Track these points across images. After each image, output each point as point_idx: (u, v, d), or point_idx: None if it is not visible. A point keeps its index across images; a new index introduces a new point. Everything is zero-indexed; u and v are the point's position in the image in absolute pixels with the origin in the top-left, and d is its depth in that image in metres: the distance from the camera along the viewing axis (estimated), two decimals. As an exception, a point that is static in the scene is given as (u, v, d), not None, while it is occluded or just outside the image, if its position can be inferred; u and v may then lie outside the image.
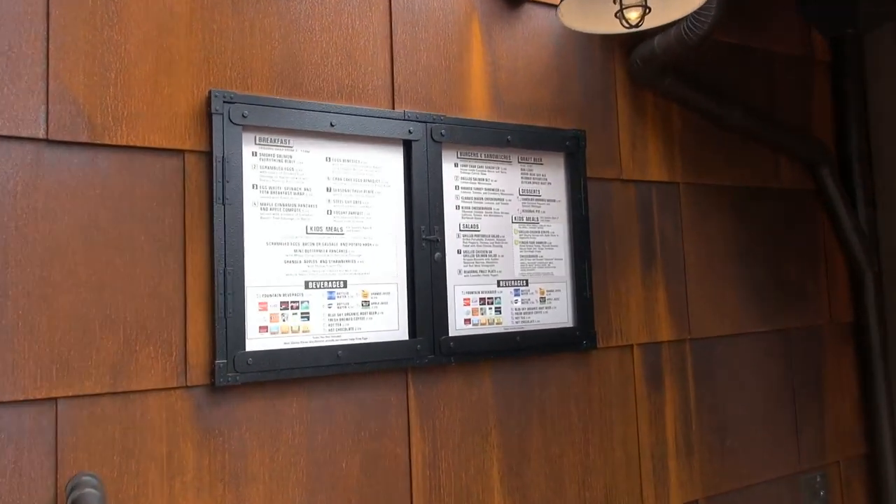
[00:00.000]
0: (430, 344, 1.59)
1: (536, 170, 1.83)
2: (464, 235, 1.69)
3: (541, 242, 1.81)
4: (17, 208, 1.23)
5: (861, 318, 2.45)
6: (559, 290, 1.82)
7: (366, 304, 1.54)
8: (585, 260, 1.85)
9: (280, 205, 1.46)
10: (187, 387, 1.34)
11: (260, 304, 1.42)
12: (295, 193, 1.48)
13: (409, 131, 1.61)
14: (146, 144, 1.34)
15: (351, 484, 1.49)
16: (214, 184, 1.38)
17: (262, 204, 1.44)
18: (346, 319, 1.51)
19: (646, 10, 1.47)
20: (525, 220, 1.79)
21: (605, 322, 1.90)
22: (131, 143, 1.33)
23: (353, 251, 1.54)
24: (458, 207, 1.69)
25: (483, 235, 1.72)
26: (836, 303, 2.46)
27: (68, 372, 1.24)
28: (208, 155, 1.40)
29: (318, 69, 1.55)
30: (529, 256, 1.79)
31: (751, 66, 2.33)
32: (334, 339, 1.49)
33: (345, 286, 1.52)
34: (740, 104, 2.17)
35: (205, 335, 1.36)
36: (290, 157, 1.49)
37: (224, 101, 1.40)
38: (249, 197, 1.42)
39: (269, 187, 1.46)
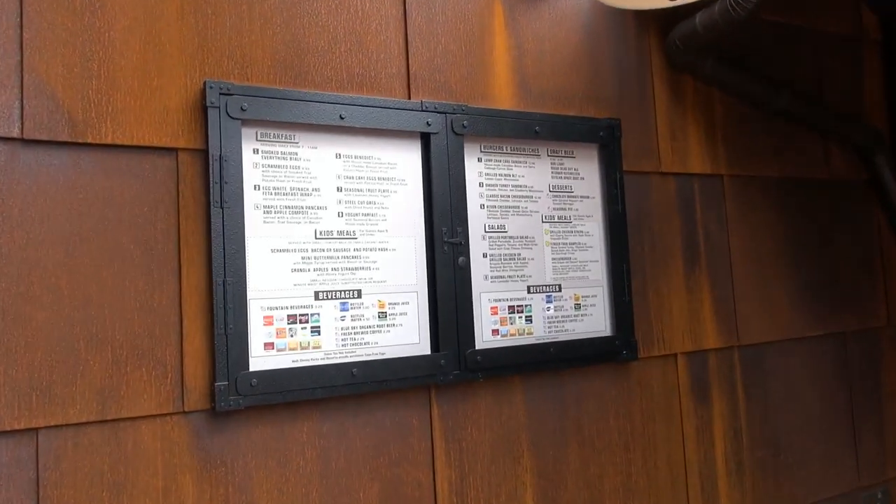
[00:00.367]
0: (454, 358, 1.44)
1: (568, 163, 1.66)
2: (489, 237, 1.54)
3: (574, 243, 1.65)
4: (-10, 216, 1.10)
5: (923, 320, 2.25)
6: (595, 296, 1.66)
7: (383, 315, 1.39)
8: (623, 262, 1.68)
9: (285, 207, 1.32)
10: (185, 412, 1.21)
11: (265, 318, 1.28)
12: (302, 194, 1.34)
13: (428, 123, 1.46)
14: (134, 143, 1.21)
15: (369, 516, 1.34)
16: (211, 185, 1.25)
17: (265, 207, 1.30)
18: (361, 333, 1.37)
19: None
20: (556, 220, 1.63)
21: (646, 329, 1.73)
22: (117, 142, 1.20)
23: (368, 257, 1.39)
24: (482, 206, 1.54)
25: (511, 237, 1.57)
26: (894, 303, 2.27)
27: (50, 399, 1.11)
28: (204, 153, 1.27)
29: (326, 56, 1.40)
30: (562, 259, 1.63)
31: (797, 46, 2.15)
32: (348, 355, 1.35)
33: (359, 296, 1.37)
34: (787, 88, 1.99)
35: (203, 354, 1.23)
36: (296, 154, 1.35)
37: (221, 93, 1.26)
38: (251, 199, 1.29)
39: (273, 188, 1.32)
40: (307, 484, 1.30)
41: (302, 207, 1.35)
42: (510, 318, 1.55)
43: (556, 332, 1.60)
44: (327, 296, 1.35)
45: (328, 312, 1.34)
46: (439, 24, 1.54)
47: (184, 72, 1.26)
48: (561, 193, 1.65)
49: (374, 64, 1.46)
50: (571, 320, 1.62)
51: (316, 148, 1.37)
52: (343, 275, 1.37)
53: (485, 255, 1.53)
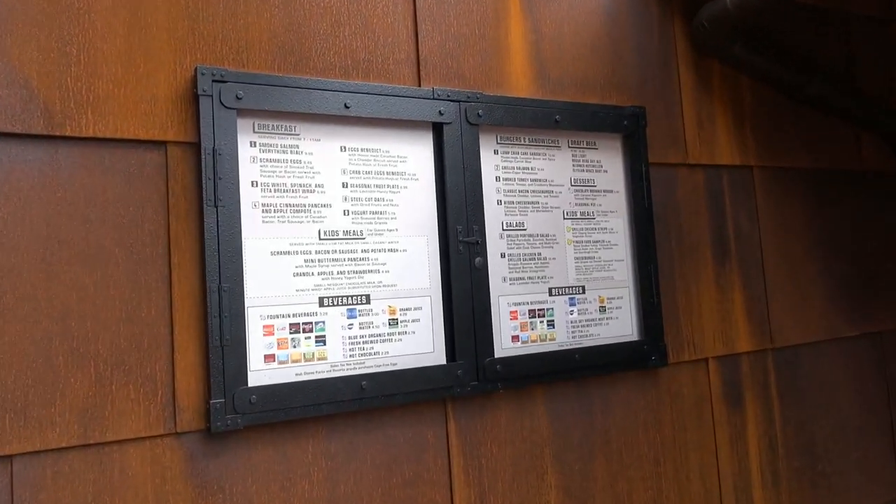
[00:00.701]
0: (472, 368, 1.32)
1: (590, 155, 1.54)
2: (508, 236, 1.42)
3: (598, 241, 1.53)
4: (-44, 219, 0.99)
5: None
6: (621, 297, 1.54)
7: (393, 322, 1.28)
8: (651, 261, 1.56)
9: (286, 205, 1.21)
10: (177, 434, 1.11)
11: (265, 327, 1.17)
12: (304, 191, 1.23)
13: (440, 112, 1.35)
14: (118, 135, 1.11)
15: (382, 543, 1.23)
16: (204, 182, 1.14)
17: (263, 205, 1.19)
18: (371, 342, 1.25)
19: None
20: (579, 216, 1.51)
21: (675, 333, 1.62)
22: (99, 135, 1.10)
23: (377, 259, 1.28)
24: (499, 202, 1.42)
25: (530, 235, 1.45)
26: (931, 300, 2.15)
27: (26, 422, 1.01)
28: (196, 147, 1.17)
29: (329, 40, 1.29)
30: (585, 258, 1.51)
31: (827, 29, 2.02)
32: (357, 366, 1.24)
33: (368, 302, 1.26)
34: (818, 72, 1.87)
35: (196, 369, 1.13)
36: (297, 147, 1.24)
37: (214, 81, 1.15)
38: (248, 197, 1.19)
39: (273, 185, 1.20)
40: (314, 509, 1.18)
41: (304, 205, 1.23)
42: (531, 322, 1.43)
43: (581, 337, 1.48)
44: (333, 302, 1.23)
45: (334, 320, 1.23)
46: (451, 5, 1.42)
47: (173, 57, 1.16)
48: (583, 188, 1.53)
49: (381, 48, 1.34)
50: (596, 324, 1.50)
51: (319, 140, 1.26)
52: (350, 279, 1.25)
53: (503, 255, 1.42)
